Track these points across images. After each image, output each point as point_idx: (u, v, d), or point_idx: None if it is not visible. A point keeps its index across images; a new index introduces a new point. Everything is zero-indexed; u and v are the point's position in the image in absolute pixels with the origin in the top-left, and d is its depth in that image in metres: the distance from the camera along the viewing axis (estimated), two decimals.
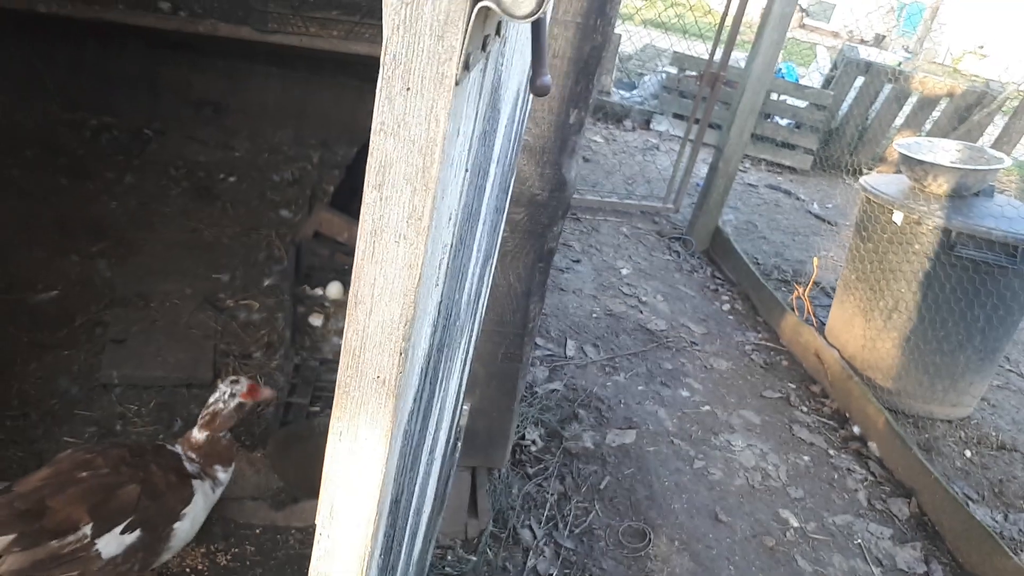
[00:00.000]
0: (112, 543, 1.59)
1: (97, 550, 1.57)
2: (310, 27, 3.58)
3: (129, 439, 1.99)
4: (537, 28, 0.62)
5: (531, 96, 1.78)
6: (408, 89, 0.52)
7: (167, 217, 3.44)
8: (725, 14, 5.18)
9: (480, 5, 0.50)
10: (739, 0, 4.89)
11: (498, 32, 0.66)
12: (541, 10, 0.49)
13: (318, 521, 0.70)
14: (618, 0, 1.77)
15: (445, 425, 1.35)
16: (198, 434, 1.87)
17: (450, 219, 0.68)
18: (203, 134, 4.08)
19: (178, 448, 1.86)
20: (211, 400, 1.90)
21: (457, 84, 0.52)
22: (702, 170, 5.74)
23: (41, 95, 3.84)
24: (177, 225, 3.40)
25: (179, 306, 2.94)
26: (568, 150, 1.99)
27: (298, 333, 2.95)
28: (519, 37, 0.93)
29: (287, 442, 2.42)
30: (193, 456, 1.85)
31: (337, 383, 0.62)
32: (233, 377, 1.95)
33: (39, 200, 3.28)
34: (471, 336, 1.51)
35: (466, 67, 0.53)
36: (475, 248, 1.04)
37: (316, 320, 3.07)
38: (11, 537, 1.48)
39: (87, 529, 1.56)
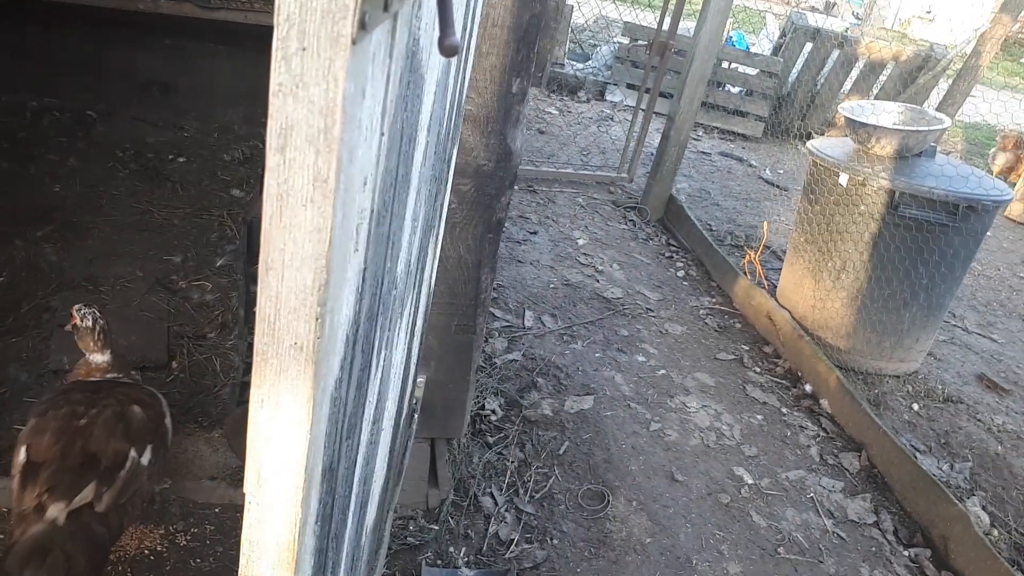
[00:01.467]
0: (147, 455, 1.85)
1: (143, 465, 1.83)
2: (255, 3, 3.52)
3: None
4: None
5: (469, 64, 1.79)
6: (304, 49, 0.53)
7: (115, 199, 3.38)
8: None
9: None
10: None
11: None
12: None
13: (246, 489, 0.71)
14: None
15: (392, 395, 1.36)
16: (102, 356, 2.01)
17: (365, 183, 0.68)
18: (151, 115, 4.01)
19: (103, 376, 2.01)
20: (91, 323, 2.00)
21: (355, 43, 0.53)
22: (656, 139, 5.77)
23: None
24: (126, 207, 3.35)
25: (130, 289, 2.90)
26: (512, 120, 1.99)
27: (252, 312, 2.93)
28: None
29: (244, 421, 2.41)
30: (118, 374, 2.03)
31: (255, 350, 0.63)
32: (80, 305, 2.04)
33: None
34: (417, 307, 1.52)
35: (363, 26, 0.54)
36: (408, 216, 1.05)
37: None
38: (93, 484, 1.68)
39: (132, 453, 1.81)
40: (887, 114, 3.68)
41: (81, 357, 2.03)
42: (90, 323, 1.99)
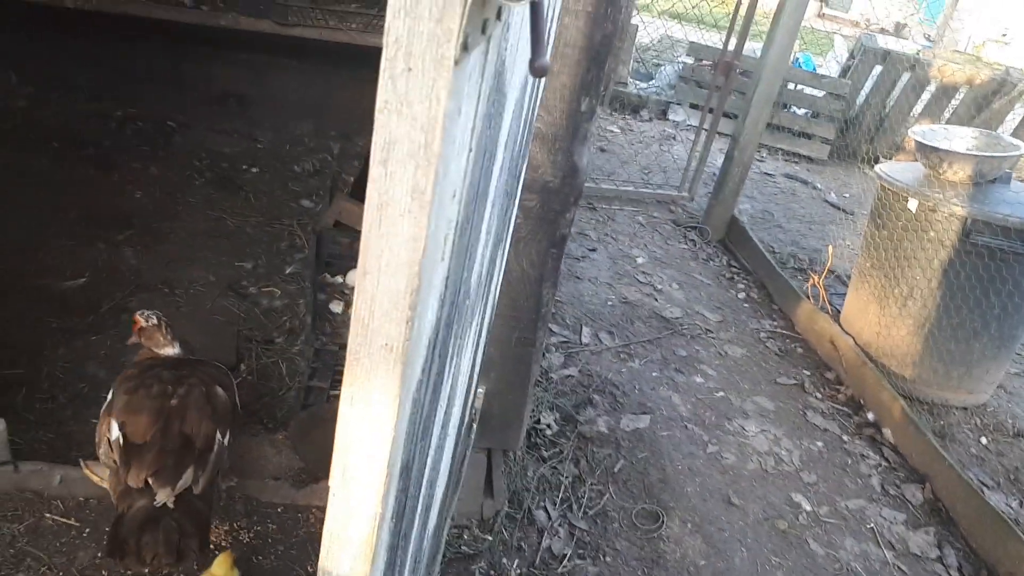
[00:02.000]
0: (228, 437, 1.97)
1: (225, 447, 1.95)
2: (329, 20, 3.65)
3: None
4: (535, 11, 0.66)
5: (541, 84, 1.82)
6: (409, 69, 0.56)
7: (191, 206, 3.52)
8: (739, 2, 5.19)
9: None
10: None
11: (499, 16, 0.70)
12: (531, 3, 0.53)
13: (331, 483, 0.74)
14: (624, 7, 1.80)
15: (458, 402, 1.40)
16: (172, 350, 2.14)
17: (454, 196, 0.72)
18: (226, 126, 4.17)
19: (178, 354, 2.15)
20: (156, 321, 2.12)
21: (456, 64, 0.56)
22: (718, 160, 5.74)
23: (67, 89, 3.93)
24: (202, 214, 3.48)
25: (203, 293, 3.01)
26: (580, 137, 2.02)
27: (318, 319, 3.02)
28: (524, 24, 0.97)
29: (307, 424, 2.48)
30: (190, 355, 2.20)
31: (348, 350, 0.67)
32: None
33: (66, 191, 3.37)
34: (483, 318, 1.56)
35: (465, 48, 0.57)
36: (484, 229, 1.09)
37: (336, 307, 3.13)
38: (191, 468, 1.80)
39: (218, 435, 1.92)
40: (960, 139, 3.60)
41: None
42: (155, 320, 2.11)
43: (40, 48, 3.75)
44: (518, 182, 1.67)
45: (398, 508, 0.88)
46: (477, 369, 1.84)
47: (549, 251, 2.20)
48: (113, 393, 1.97)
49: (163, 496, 1.74)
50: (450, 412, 1.25)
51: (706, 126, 5.49)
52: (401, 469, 0.82)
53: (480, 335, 1.61)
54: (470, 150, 0.76)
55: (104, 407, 1.96)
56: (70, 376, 2.47)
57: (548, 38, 1.59)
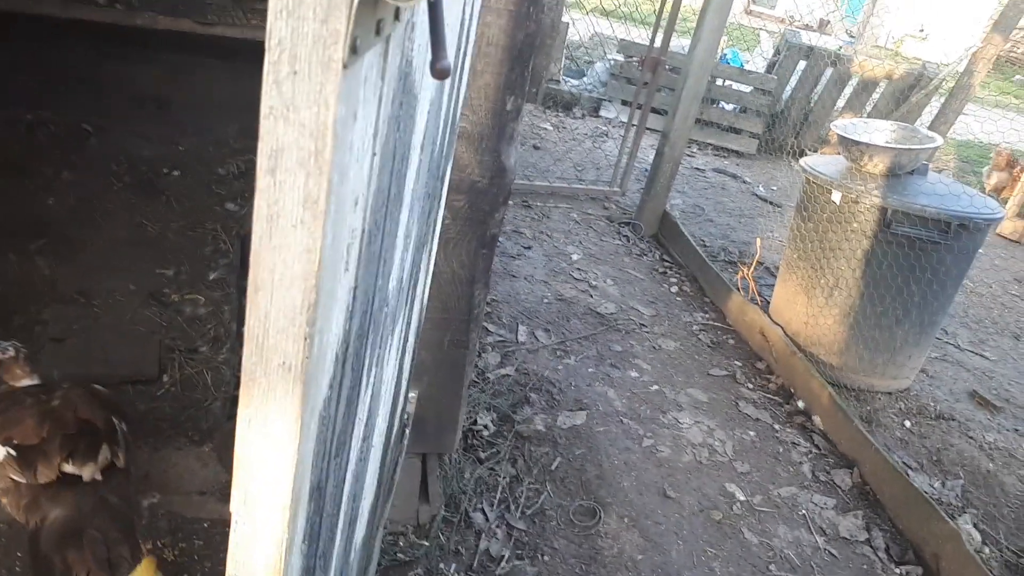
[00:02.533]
0: (124, 425, 1.87)
1: (126, 431, 1.86)
2: (251, 19, 3.54)
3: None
4: (433, 11, 0.63)
5: (463, 83, 1.80)
6: (295, 73, 0.53)
7: (110, 213, 3.38)
8: (663, 1, 5.27)
9: None
10: None
11: (397, 17, 0.67)
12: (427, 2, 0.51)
13: (232, 509, 0.71)
14: (547, 10, 1.79)
15: (383, 411, 1.36)
16: (30, 381, 1.90)
17: (356, 203, 0.69)
18: (146, 129, 4.00)
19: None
20: (12, 353, 1.92)
21: (346, 68, 0.54)
22: (650, 156, 5.80)
23: None
24: (120, 221, 3.34)
25: (123, 303, 2.90)
26: (507, 137, 2.00)
27: (244, 326, 2.93)
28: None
29: (234, 435, 2.41)
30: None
31: (243, 370, 0.63)
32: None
33: None
34: (409, 323, 1.53)
35: (354, 51, 0.54)
36: (401, 234, 1.06)
37: None
38: (104, 444, 1.72)
39: (115, 420, 1.82)
40: (880, 132, 3.71)
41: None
42: (12, 353, 1.92)
43: None
44: (442, 183, 1.64)
45: (311, 530, 0.85)
46: (406, 375, 1.81)
47: (479, 251, 2.18)
48: None
49: (89, 472, 1.65)
50: (373, 424, 1.21)
51: (635, 122, 5.54)
52: (311, 490, 0.78)
53: (407, 340, 1.58)
54: (374, 154, 0.73)
55: None
56: None
57: (466, 36, 1.56)
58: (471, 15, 1.56)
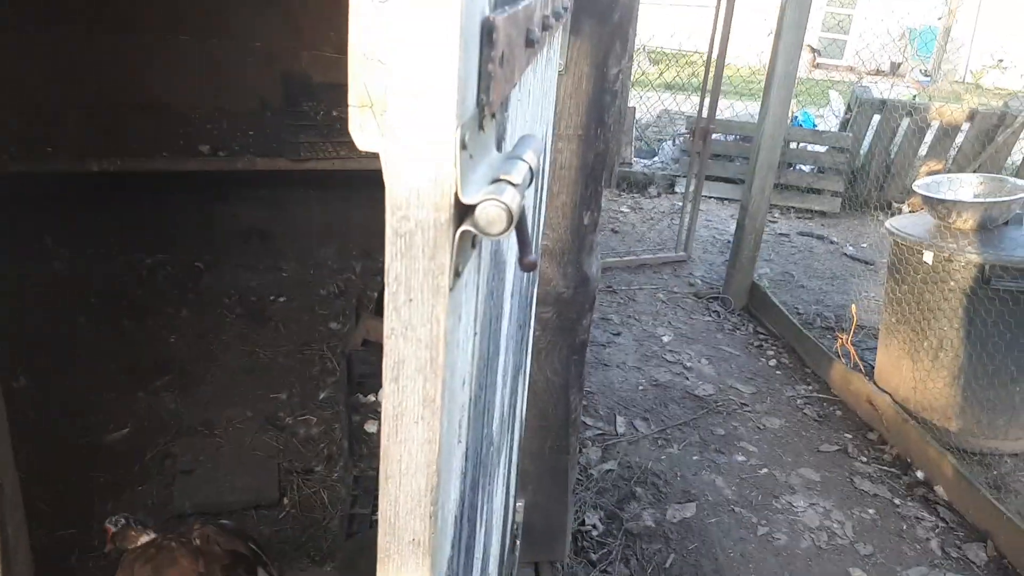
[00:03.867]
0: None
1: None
2: (340, 151, 3.82)
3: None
4: (520, 224, 0.73)
5: (542, 204, 1.91)
6: (411, 300, 0.63)
7: (225, 344, 3.63)
8: (707, 71, 5.44)
9: (462, 230, 0.61)
10: (718, 55, 5.37)
11: None
12: (511, 228, 0.60)
13: None
14: (614, 109, 1.90)
15: (495, 538, 1.42)
16: (146, 536, 1.98)
17: (464, 383, 0.78)
18: (252, 260, 4.32)
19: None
20: (124, 521, 2.00)
21: (452, 290, 0.63)
22: (731, 226, 5.80)
23: (99, 246, 4.12)
24: (235, 351, 3.59)
25: (242, 429, 3.08)
26: (587, 248, 2.10)
27: (356, 443, 3.06)
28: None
29: (354, 553, 2.51)
30: None
31: (378, 548, 0.72)
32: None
33: (104, 344, 3.49)
34: (512, 445, 1.60)
35: (457, 275, 0.64)
36: (499, 379, 1.14)
37: (372, 427, 3.18)
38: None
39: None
40: (966, 186, 3.64)
41: None
42: (123, 522, 2.00)
43: (73, 213, 3.96)
44: (530, 307, 1.73)
45: None
46: (513, 490, 1.87)
47: (571, 358, 2.25)
48: None
49: None
50: (488, 554, 1.28)
51: (691, 189, 5.89)
52: None
53: (511, 461, 1.65)
54: (475, 334, 0.82)
55: None
56: None
57: (543, 159, 1.68)
58: (546, 140, 1.68)
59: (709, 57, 5.70)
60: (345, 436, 3.04)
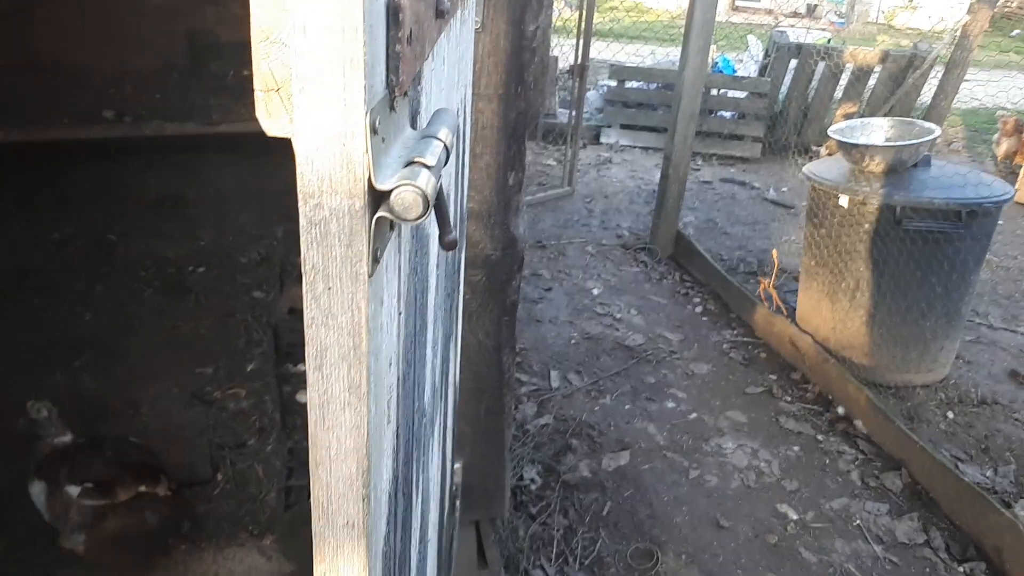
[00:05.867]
0: None
1: None
2: (254, 112, 3.68)
3: None
4: (438, 202, 0.71)
5: (466, 167, 1.88)
6: (329, 288, 0.61)
7: (143, 319, 3.51)
8: (580, 15, 5.93)
9: (377, 216, 0.59)
10: (587, 6, 5.81)
11: None
12: (428, 212, 0.58)
13: None
14: (532, 67, 1.87)
15: (434, 504, 1.43)
16: None
17: (391, 364, 0.77)
18: (167, 229, 4.16)
19: None
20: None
21: (371, 276, 0.61)
22: (655, 175, 5.86)
23: (2, 222, 3.90)
24: (154, 325, 3.47)
25: (169, 407, 3.00)
26: (513, 209, 2.08)
27: (288, 414, 3.02)
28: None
29: (293, 525, 2.49)
30: None
31: (313, 532, 0.71)
32: None
33: (15, 325, 3.33)
34: (445, 413, 1.60)
35: (375, 260, 0.62)
36: (428, 354, 1.13)
37: (303, 397, 3.13)
38: None
39: None
40: (878, 130, 3.75)
41: None
42: (46, 413, 2.35)
43: None
44: (458, 273, 1.72)
45: None
46: (450, 454, 1.88)
47: (502, 319, 2.25)
48: None
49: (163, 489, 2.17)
50: (426, 522, 1.28)
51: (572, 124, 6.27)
52: None
53: (446, 427, 1.65)
54: (400, 313, 0.81)
55: None
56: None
57: (464, 120, 1.65)
58: (465, 102, 1.65)
59: (581, 1, 5.91)
60: (276, 408, 2.99)
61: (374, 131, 0.56)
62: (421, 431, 1.10)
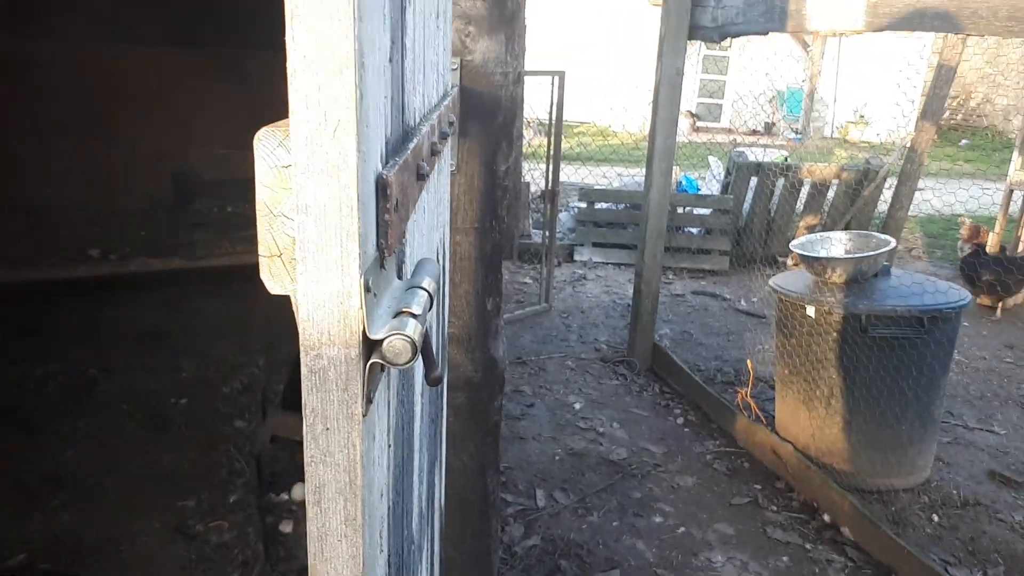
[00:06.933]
0: None
1: None
2: (236, 247, 3.81)
3: None
4: (424, 351, 0.79)
5: (446, 298, 1.98)
6: (327, 429, 0.68)
7: (125, 453, 3.48)
8: (549, 143, 6.28)
9: (371, 362, 0.67)
10: (555, 129, 6.13)
11: None
12: (416, 357, 0.66)
13: None
14: (505, 202, 2.00)
15: None
16: None
17: (382, 495, 0.82)
18: (149, 363, 4.18)
19: None
20: None
21: (365, 416, 0.68)
22: (628, 290, 6.01)
23: None
24: (136, 459, 3.44)
25: (149, 542, 2.95)
26: (492, 332, 2.17)
27: (272, 545, 2.98)
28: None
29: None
30: None
31: None
32: None
33: None
34: (432, 540, 1.62)
35: (369, 401, 0.69)
36: (415, 481, 1.18)
37: (286, 527, 3.10)
38: None
39: None
40: (837, 244, 3.94)
41: None
42: None
43: None
44: (441, 397, 1.78)
45: None
46: None
47: (485, 440, 2.29)
48: None
49: None
50: None
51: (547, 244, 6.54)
52: None
53: (433, 553, 1.67)
54: (389, 446, 0.87)
55: None
56: None
57: (443, 251, 1.75)
58: (444, 237, 1.75)
59: (549, 130, 6.32)
60: (259, 539, 2.96)
61: (367, 289, 0.65)
62: (410, 558, 1.14)
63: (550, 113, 6.17)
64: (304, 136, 0.59)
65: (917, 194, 7.94)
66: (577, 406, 4.71)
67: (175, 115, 4.12)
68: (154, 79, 3.92)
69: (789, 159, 9.47)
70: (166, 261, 3.73)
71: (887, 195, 7.94)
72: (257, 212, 0.65)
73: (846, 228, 7.35)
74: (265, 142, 0.62)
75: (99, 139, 3.99)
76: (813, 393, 3.80)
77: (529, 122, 10.44)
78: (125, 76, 3.90)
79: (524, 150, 8.40)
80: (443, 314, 1.80)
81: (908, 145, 7.59)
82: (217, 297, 4.30)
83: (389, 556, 0.90)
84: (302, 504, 3.22)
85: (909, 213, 8.13)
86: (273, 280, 0.67)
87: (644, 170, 5.34)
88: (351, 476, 0.69)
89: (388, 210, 0.68)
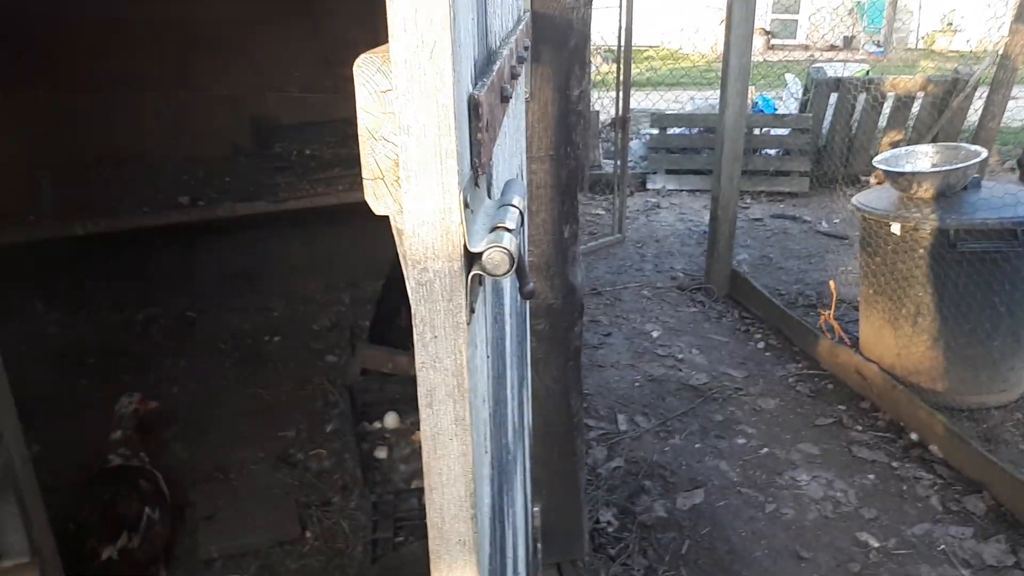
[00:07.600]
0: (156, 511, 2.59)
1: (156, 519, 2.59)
2: (316, 188, 3.91)
3: None
4: (519, 265, 0.83)
5: (525, 226, 2.01)
6: (436, 337, 0.73)
7: (226, 389, 3.71)
8: (618, 68, 6.10)
9: (472, 274, 0.71)
10: (624, 51, 5.97)
11: None
12: (512, 267, 0.70)
13: None
14: (581, 127, 2.01)
15: (521, 540, 1.52)
16: (113, 435, 2.75)
17: (484, 401, 0.88)
18: (242, 303, 4.40)
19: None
20: (116, 408, 2.83)
21: (468, 324, 0.73)
22: (705, 216, 5.93)
23: (91, 307, 4.18)
24: (237, 394, 3.66)
25: (255, 470, 3.16)
26: (570, 260, 2.20)
27: (368, 470, 3.15)
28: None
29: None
30: (123, 451, 2.74)
31: (430, 551, 0.82)
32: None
33: (107, 404, 3.55)
34: (524, 455, 1.70)
35: (471, 311, 0.74)
36: (508, 395, 1.24)
37: (381, 453, 3.27)
38: (125, 533, 2.44)
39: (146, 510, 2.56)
40: (923, 157, 3.78)
41: None
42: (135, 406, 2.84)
43: (62, 275, 4.02)
44: (525, 322, 1.83)
45: None
46: (530, 496, 1.97)
47: (567, 364, 2.36)
48: None
49: (107, 552, 2.34)
50: (516, 557, 1.38)
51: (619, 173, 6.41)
52: None
53: (526, 468, 1.75)
54: (488, 357, 0.92)
55: None
56: None
57: (523, 183, 1.78)
58: (522, 166, 1.78)
59: (619, 55, 6.12)
60: (357, 465, 3.12)
61: (466, 205, 0.69)
62: (508, 465, 1.21)
63: (618, 36, 6.03)
64: (403, 59, 0.62)
65: (1011, 103, 7.48)
66: (655, 334, 4.73)
67: (250, 61, 4.22)
68: (229, 27, 4.01)
69: (871, 73, 9.03)
70: (251, 205, 3.87)
71: (977, 105, 7.52)
72: (359, 136, 0.69)
73: (933, 142, 7.02)
74: (364, 69, 0.66)
75: (181, 89, 4.12)
76: (899, 312, 3.72)
77: (597, 48, 10.23)
78: (201, 27, 3.99)
79: (592, 78, 8.27)
80: (523, 240, 1.84)
81: (1001, 52, 7.13)
82: (300, 238, 4.45)
83: (492, 458, 0.96)
84: (394, 432, 3.38)
85: (1001, 124, 7.69)
86: (377, 201, 0.72)
87: (718, 92, 5.19)
88: (459, 380, 0.75)
89: (480, 129, 0.71)
